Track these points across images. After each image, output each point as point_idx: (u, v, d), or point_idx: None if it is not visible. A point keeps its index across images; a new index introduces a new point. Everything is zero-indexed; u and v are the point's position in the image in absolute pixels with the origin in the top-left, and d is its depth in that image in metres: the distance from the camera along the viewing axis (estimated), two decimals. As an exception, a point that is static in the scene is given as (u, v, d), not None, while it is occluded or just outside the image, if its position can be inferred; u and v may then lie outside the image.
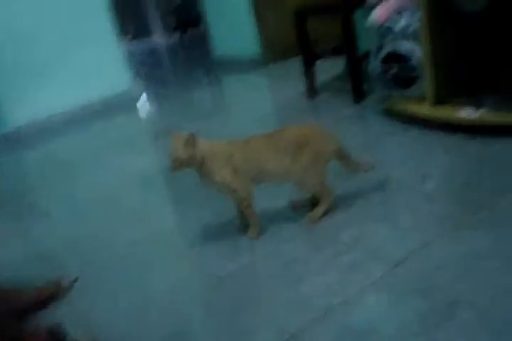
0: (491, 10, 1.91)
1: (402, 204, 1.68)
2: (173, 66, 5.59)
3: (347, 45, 2.62)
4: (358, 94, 2.68)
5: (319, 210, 1.66)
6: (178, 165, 1.51)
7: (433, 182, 1.79)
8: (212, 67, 4.70)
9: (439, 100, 2.19)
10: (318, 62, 2.98)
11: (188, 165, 1.53)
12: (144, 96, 4.10)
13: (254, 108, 3.16)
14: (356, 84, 2.68)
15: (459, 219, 1.52)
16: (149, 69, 5.40)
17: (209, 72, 4.64)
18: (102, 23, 3.77)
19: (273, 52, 4.17)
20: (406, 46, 2.27)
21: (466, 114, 2.06)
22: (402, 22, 2.26)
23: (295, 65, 3.19)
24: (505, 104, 1.96)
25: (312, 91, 2.96)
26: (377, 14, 2.38)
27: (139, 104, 3.90)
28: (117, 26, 3.90)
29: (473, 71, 2.06)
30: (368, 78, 2.64)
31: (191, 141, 1.51)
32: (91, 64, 3.69)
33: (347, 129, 2.40)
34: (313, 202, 1.69)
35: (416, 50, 2.23)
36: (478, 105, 2.05)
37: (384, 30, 2.36)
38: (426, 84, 2.21)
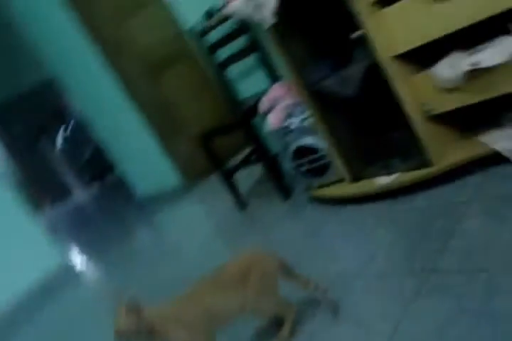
0: (365, 91, 2.12)
1: (358, 295, 1.70)
2: (101, 219, 5.57)
3: (257, 152, 2.78)
4: (284, 192, 2.79)
5: (285, 331, 1.63)
6: (124, 339, 1.41)
7: (378, 259, 1.84)
8: (138, 209, 4.72)
9: (355, 177, 2.33)
10: (238, 172, 3.10)
11: (137, 337, 1.42)
12: (81, 263, 4.00)
13: (191, 236, 3.21)
14: (279, 184, 2.80)
15: (414, 291, 1.54)
16: (78, 230, 5.33)
17: (137, 214, 4.65)
18: (9, 200, 3.63)
19: (192, 175, 4.30)
20: (308, 139, 2.44)
21: (382, 181, 2.20)
22: (297, 120, 2.44)
23: (217, 181, 3.28)
24: (411, 163, 2.11)
25: (240, 201, 3.06)
26: (271, 120, 2.56)
27: (77, 274, 3.78)
28: (30, 198, 3.82)
29: (374, 141, 2.23)
30: (287, 175, 2.79)
31: (134, 309, 1.42)
32: (7, 249, 3.46)
33: (284, 229, 2.47)
34: (278, 323, 1.66)
35: (318, 140, 2.40)
36: (389, 170, 2.20)
37: (283, 132, 2.53)
38: (338, 167, 2.36)
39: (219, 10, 2.80)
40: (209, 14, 2.93)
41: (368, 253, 1.88)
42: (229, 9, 2.18)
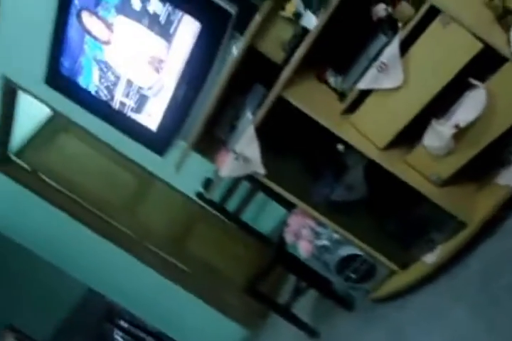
0: (373, 187, 2.07)
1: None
2: None
3: (304, 280, 2.63)
4: (346, 305, 2.61)
5: None
6: None
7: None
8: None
9: (403, 265, 2.18)
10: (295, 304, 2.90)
11: None
12: None
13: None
14: (337, 300, 2.63)
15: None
16: None
17: None
18: None
19: (253, 321, 4.05)
20: (343, 250, 2.32)
21: (429, 259, 2.05)
22: (325, 237, 2.34)
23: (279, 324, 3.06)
24: (447, 231, 1.99)
25: (310, 330, 2.84)
26: (303, 248, 2.44)
27: None
28: None
29: (403, 224, 2.13)
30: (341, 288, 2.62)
31: None
32: None
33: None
34: None
35: (353, 247, 2.28)
36: (431, 246, 2.06)
37: (318, 253, 2.40)
38: (383, 263, 2.21)
39: (214, 176, 2.84)
40: (207, 183, 2.94)
41: (460, 338, 1.67)
42: (222, 173, 2.21)
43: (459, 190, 1.91)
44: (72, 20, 2.41)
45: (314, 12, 1.80)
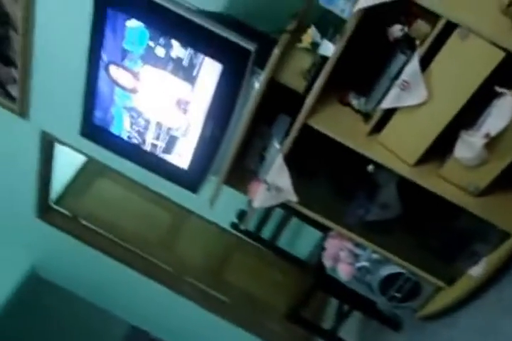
0: (408, 203, 1.97)
1: None
2: None
3: (347, 303, 2.50)
4: (393, 325, 2.46)
5: None
6: None
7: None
8: None
9: (448, 280, 2.05)
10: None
11: None
12: None
13: None
14: (383, 320, 2.48)
15: None
16: None
17: None
18: None
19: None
20: (384, 270, 2.20)
21: (475, 272, 1.93)
22: (364, 258, 2.23)
23: None
24: (491, 242, 1.87)
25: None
26: (343, 271, 2.31)
27: None
28: None
29: (443, 238, 2.01)
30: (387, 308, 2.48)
31: None
32: None
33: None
34: None
35: (394, 265, 2.16)
36: (475, 259, 1.93)
37: (359, 275, 2.29)
38: (427, 280, 2.08)
39: (247, 207, 2.76)
40: (241, 214, 2.86)
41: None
42: (256, 204, 2.16)
43: (498, 199, 1.80)
44: (102, 74, 2.43)
45: (330, 39, 1.76)
